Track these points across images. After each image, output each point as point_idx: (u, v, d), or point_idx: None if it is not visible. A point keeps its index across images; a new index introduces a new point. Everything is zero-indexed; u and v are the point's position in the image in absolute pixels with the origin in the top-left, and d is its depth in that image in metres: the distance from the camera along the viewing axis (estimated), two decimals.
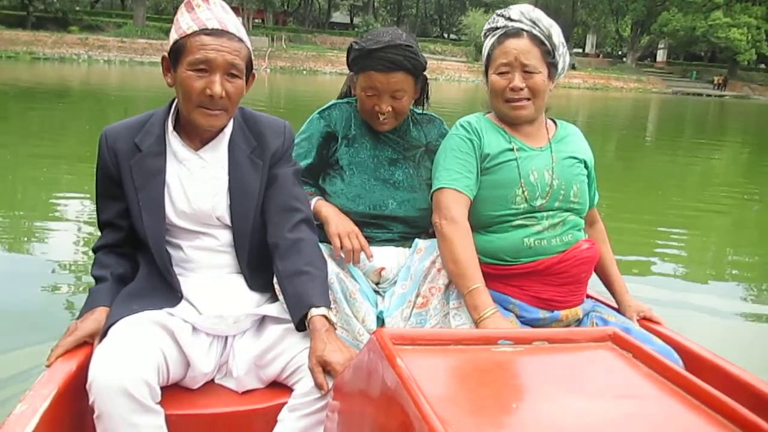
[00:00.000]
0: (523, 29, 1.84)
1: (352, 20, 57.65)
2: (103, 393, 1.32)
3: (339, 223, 1.86)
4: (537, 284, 1.83)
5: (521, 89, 1.84)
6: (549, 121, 2.01)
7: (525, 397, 1.05)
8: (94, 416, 1.34)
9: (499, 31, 1.88)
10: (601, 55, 58.11)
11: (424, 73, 1.97)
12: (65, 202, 5.74)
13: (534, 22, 1.83)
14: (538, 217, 1.84)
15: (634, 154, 12.78)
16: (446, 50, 48.72)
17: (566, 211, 1.87)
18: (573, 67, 46.76)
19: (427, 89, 2.04)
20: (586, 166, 1.96)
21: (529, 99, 1.86)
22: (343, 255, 1.84)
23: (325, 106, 2.04)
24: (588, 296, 1.99)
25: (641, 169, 10.74)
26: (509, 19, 1.87)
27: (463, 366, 1.12)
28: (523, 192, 1.83)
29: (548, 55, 1.84)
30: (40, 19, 37.67)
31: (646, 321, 1.93)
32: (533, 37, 1.83)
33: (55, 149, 8.39)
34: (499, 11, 1.93)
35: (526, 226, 1.83)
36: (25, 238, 4.77)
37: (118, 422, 1.33)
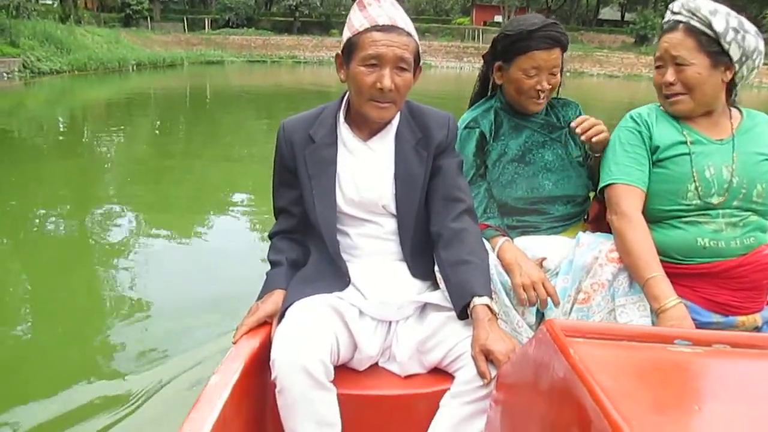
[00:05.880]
0: (680, 21, 1.75)
1: (623, 17, 50.33)
2: (285, 370, 1.43)
3: (523, 273, 1.76)
4: (711, 287, 1.72)
5: (672, 84, 1.76)
6: (734, 111, 1.86)
7: (708, 402, 1.00)
8: (276, 390, 1.45)
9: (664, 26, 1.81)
10: None
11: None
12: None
13: (692, 12, 1.72)
14: (712, 214, 1.73)
15: None
16: None
17: (746, 210, 1.74)
18: None
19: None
20: None
21: (685, 93, 1.76)
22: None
23: (469, 120, 2.02)
24: None
25: None
26: (672, 12, 1.79)
27: (637, 362, 1.08)
28: (696, 188, 1.73)
29: (710, 43, 1.71)
30: (305, 24, 40.92)
31: None
32: (688, 28, 1.73)
33: None
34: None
35: (699, 223, 1.73)
36: (216, 229, 5.37)
37: (297, 397, 1.43)
